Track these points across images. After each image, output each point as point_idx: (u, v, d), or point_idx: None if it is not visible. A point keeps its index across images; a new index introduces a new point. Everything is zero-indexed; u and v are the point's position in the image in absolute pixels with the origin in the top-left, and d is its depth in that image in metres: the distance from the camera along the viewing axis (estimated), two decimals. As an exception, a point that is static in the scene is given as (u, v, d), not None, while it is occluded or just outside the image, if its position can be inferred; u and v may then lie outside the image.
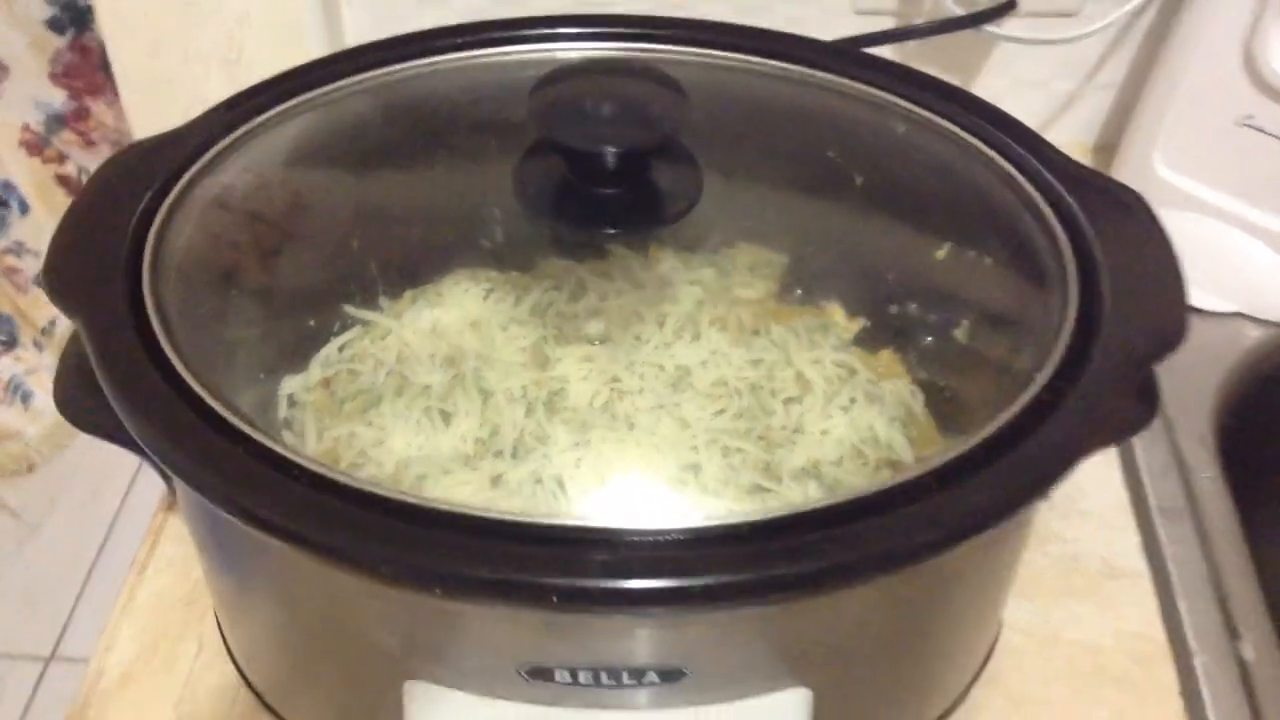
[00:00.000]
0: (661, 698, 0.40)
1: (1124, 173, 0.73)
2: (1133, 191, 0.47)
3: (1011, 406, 0.39)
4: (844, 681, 0.43)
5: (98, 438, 0.42)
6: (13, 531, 1.46)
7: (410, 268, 0.55)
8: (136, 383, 0.39)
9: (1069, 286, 0.43)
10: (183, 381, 0.39)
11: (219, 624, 0.54)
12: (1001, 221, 0.47)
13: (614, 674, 0.39)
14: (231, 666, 0.52)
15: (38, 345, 1.36)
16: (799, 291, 0.54)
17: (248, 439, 0.37)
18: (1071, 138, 0.84)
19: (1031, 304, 0.46)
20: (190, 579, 0.57)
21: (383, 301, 0.54)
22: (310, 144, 0.54)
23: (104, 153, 1.29)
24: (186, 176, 0.49)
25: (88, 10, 1.21)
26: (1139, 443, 0.63)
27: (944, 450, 0.38)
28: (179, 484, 0.39)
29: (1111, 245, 0.44)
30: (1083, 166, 0.49)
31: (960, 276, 0.49)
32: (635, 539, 0.35)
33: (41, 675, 1.32)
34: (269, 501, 0.35)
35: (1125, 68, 0.80)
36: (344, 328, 0.53)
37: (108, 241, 0.44)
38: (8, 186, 1.26)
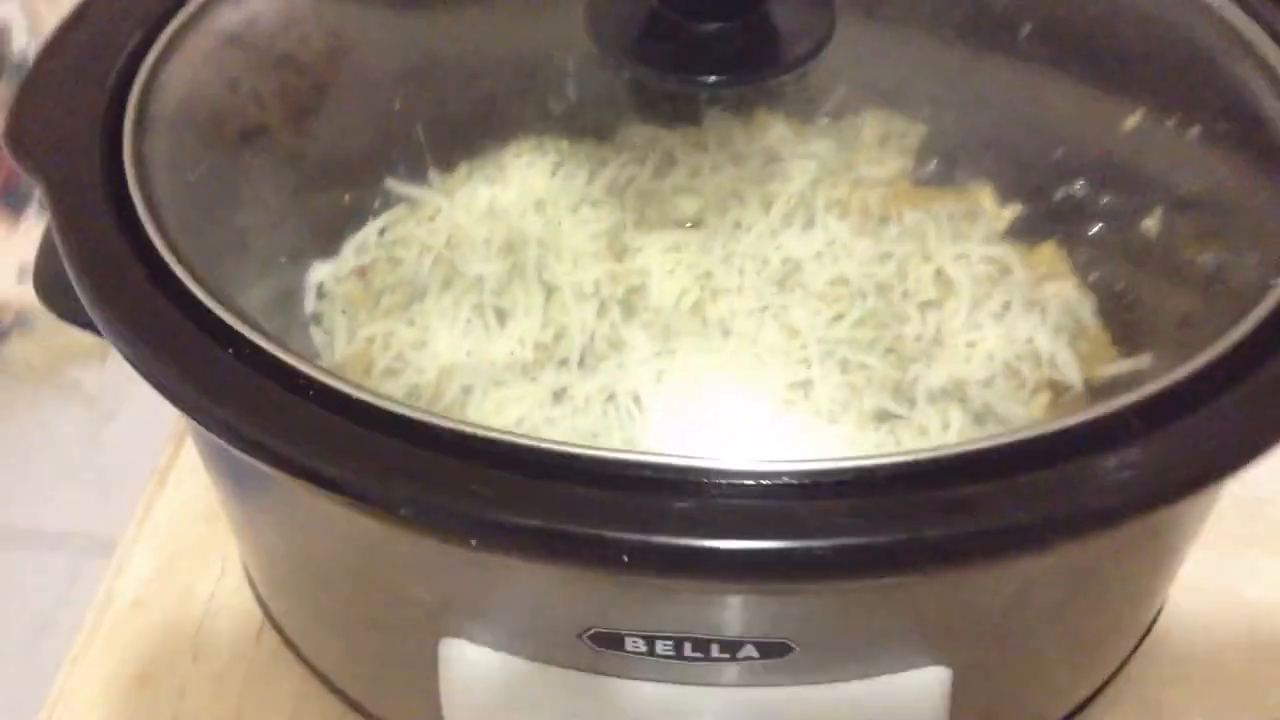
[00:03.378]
0: (759, 675, 0.32)
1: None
2: None
3: (1240, 322, 0.29)
4: (990, 659, 0.34)
5: (86, 330, 0.34)
6: (87, 419, 1.43)
7: (465, 134, 0.46)
8: (104, 267, 0.31)
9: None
10: (163, 264, 0.31)
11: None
12: (1215, 78, 0.36)
13: (701, 646, 0.31)
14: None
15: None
16: (940, 169, 0.44)
17: (240, 339, 0.29)
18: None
19: (1257, 187, 0.35)
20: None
21: (432, 176, 0.46)
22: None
23: None
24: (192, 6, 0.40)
25: None
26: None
27: (1141, 374, 0.28)
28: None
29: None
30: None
31: (1154, 151, 0.38)
32: (735, 482, 0.26)
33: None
34: (260, 421, 0.27)
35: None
36: (385, 206, 0.45)
37: (90, 87, 0.36)
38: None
